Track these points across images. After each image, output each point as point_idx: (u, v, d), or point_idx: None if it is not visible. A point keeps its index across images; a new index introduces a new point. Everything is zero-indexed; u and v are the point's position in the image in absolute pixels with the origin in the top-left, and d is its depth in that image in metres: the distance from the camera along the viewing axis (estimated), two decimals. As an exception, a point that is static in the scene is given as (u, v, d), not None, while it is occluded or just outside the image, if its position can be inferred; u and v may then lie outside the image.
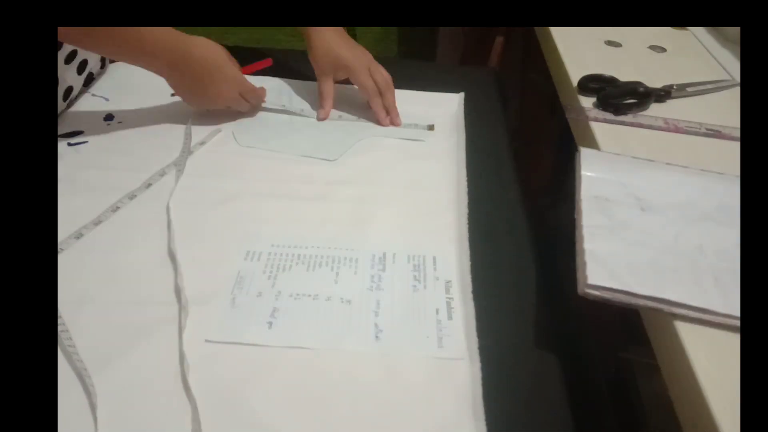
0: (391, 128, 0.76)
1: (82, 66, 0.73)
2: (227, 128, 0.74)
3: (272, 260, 0.54)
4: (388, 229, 0.59)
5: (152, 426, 0.41)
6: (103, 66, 0.82)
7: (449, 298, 0.52)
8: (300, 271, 0.53)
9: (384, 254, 0.56)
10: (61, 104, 0.70)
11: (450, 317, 0.50)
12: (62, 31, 0.62)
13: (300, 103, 0.80)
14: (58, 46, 0.66)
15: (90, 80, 0.79)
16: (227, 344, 0.47)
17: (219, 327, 0.48)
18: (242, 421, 0.41)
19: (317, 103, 0.79)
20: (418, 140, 0.74)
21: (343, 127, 0.75)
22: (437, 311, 0.50)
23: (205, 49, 0.68)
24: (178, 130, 0.74)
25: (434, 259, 0.55)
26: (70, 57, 0.71)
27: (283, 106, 0.78)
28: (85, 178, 0.64)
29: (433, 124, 0.77)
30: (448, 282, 0.53)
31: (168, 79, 0.70)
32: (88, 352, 0.45)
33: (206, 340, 0.47)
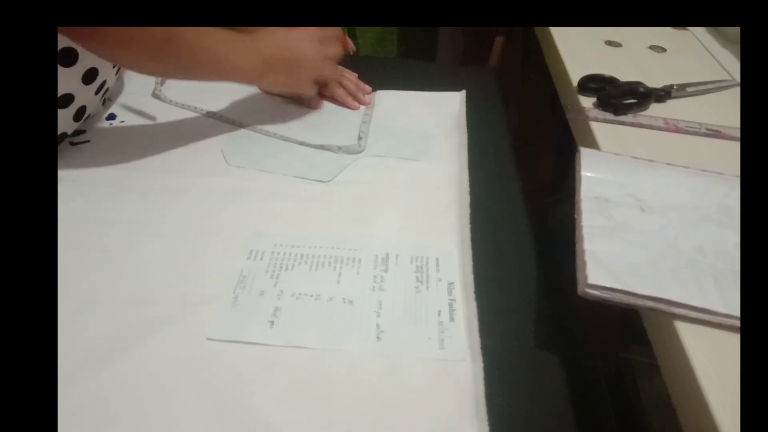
0: (389, 148, 0.73)
1: (101, 87, 0.72)
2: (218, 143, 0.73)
3: (275, 259, 0.54)
4: (391, 229, 0.59)
5: (154, 424, 0.41)
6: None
7: (451, 300, 0.52)
8: (302, 271, 0.54)
9: (387, 255, 0.56)
10: (73, 125, 0.70)
11: (452, 319, 0.50)
12: (156, 69, 0.64)
13: (293, 126, 0.76)
14: (74, 61, 0.65)
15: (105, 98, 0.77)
16: (229, 342, 0.47)
17: (221, 325, 0.48)
18: (243, 419, 0.41)
19: (309, 123, 0.77)
20: (416, 159, 0.71)
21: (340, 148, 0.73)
22: (439, 313, 0.50)
23: (279, 46, 0.70)
24: (181, 129, 0.74)
25: (437, 260, 0.56)
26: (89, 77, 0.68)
27: (275, 134, 0.74)
28: (87, 178, 0.64)
29: (429, 142, 0.74)
30: (451, 283, 0.53)
31: (263, 86, 0.75)
32: (91, 350, 0.45)
33: (208, 338, 0.47)
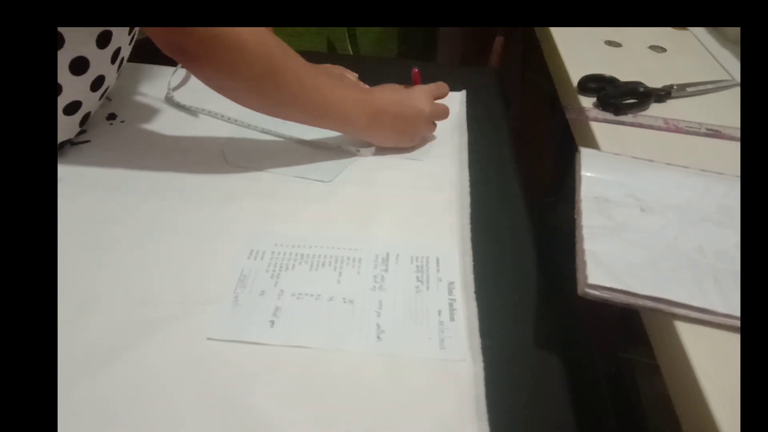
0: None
1: (104, 92, 0.72)
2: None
3: (275, 259, 0.54)
4: (392, 229, 0.59)
5: (155, 424, 0.41)
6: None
7: (452, 300, 0.52)
8: (303, 271, 0.54)
9: (387, 254, 0.56)
10: (77, 129, 0.70)
11: (452, 318, 0.50)
12: (260, 103, 0.62)
13: (294, 126, 0.74)
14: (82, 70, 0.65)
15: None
16: (229, 342, 0.47)
17: (221, 325, 0.48)
18: (243, 419, 0.41)
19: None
20: (417, 159, 0.71)
21: (339, 147, 0.73)
22: (439, 312, 0.50)
23: (391, 100, 0.67)
24: (181, 129, 0.74)
25: (437, 260, 0.56)
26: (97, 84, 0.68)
27: (276, 134, 0.74)
28: (87, 178, 0.64)
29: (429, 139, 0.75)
30: (451, 283, 0.53)
31: (367, 138, 0.70)
32: (91, 349, 0.45)
33: (208, 338, 0.47)
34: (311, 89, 0.62)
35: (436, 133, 0.76)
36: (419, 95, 0.69)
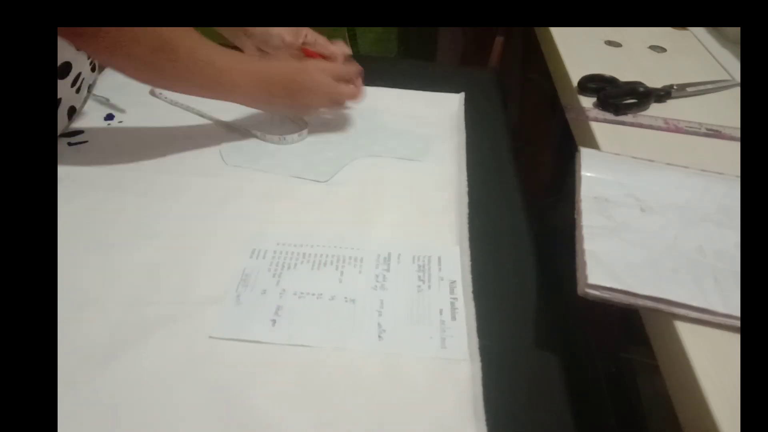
0: (387, 148, 0.73)
1: (76, 80, 0.71)
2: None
3: (277, 258, 0.54)
4: (392, 229, 0.59)
5: (156, 422, 0.41)
6: (93, 69, 0.76)
7: (453, 299, 0.52)
8: (305, 270, 0.54)
9: (389, 254, 0.56)
10: (65, 121, 0.69)
11: (454, 318, 0.50)
12: (149, 78, 0.64)
13: (290, 126, 0.76)
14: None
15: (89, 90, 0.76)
16: (231, 341, 0.47)
17: (223, 323, 0.48)
18: (244, 417, 0.41)
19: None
20: (415, 159, 0.71)
21: (337, 146, 0.73)
22: (441, 312, 0.50)
23: (284, 72, 0.69)
24: (178, 129, 0.74)
25: (439, 259, 0.56)
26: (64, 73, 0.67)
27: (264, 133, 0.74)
28: (86, 178, 0.64)
29: (427, 143, 0.74)
30: (453, 282, 0.53)
31: (261, 108, 0.73)
32: (92, 349, 0.45)
33: (210, 337, 0.47)
34: (205, 64, 0.63)
35: (435, 133, 0.76)
36: (314, 69, 0.70)
